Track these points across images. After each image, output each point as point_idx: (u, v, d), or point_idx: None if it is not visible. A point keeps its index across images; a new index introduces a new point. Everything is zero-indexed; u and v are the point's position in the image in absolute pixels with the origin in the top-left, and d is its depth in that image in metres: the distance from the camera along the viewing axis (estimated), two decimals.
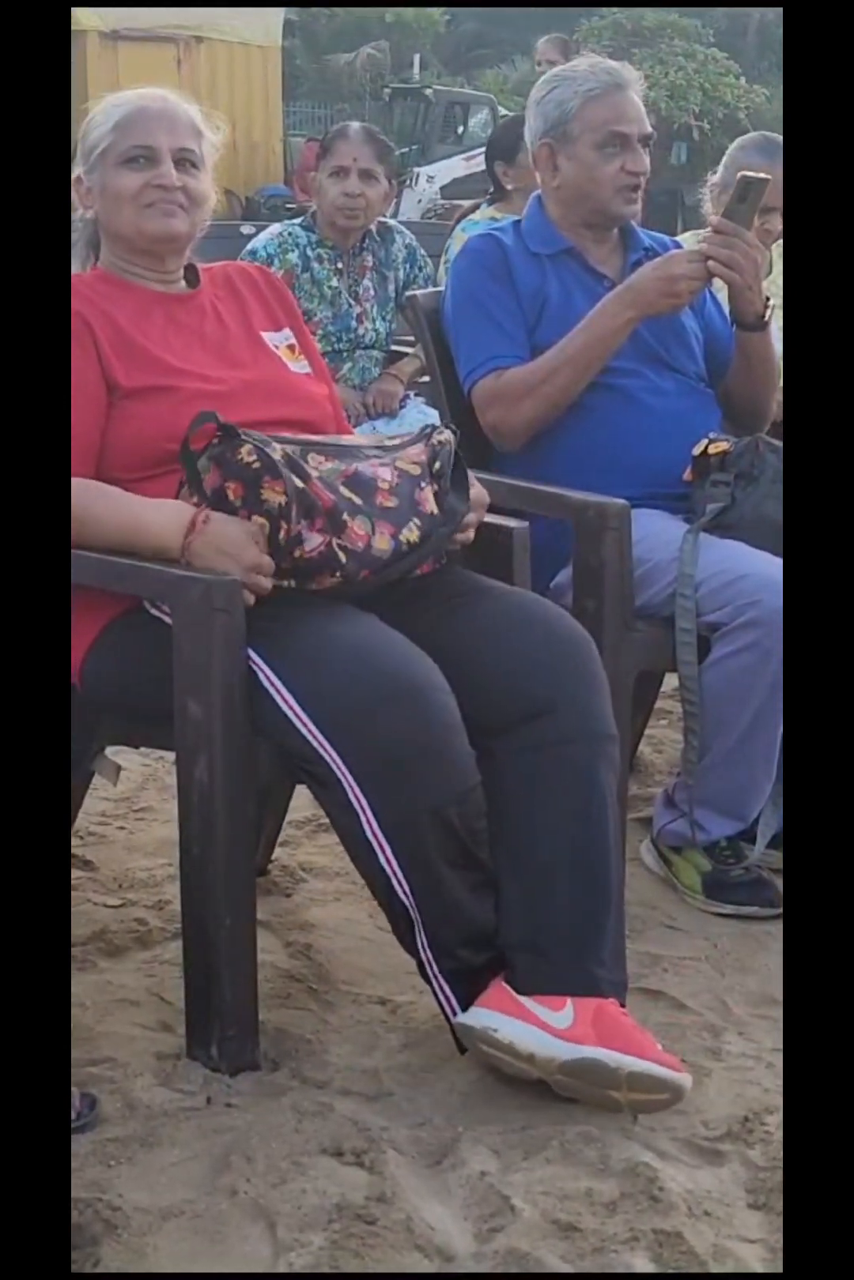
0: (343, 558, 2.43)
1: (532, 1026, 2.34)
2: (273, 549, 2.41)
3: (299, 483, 2.40)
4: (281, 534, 2.39)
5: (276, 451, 2.42)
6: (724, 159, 4.13)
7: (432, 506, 2.54)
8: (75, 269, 2.75)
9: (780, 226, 3.98)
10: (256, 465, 2.40)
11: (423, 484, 2.54)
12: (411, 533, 2.50)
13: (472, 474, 2.66)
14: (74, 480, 2.48)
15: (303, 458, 2.46)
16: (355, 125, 4.85)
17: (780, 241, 4.11)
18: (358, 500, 2.46)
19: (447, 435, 2.62)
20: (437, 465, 2.57)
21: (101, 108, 2.71)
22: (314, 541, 2.41)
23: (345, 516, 2.43)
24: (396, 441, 2.63)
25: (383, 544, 2.47)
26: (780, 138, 4.04)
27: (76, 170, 2.71)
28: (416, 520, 2.51)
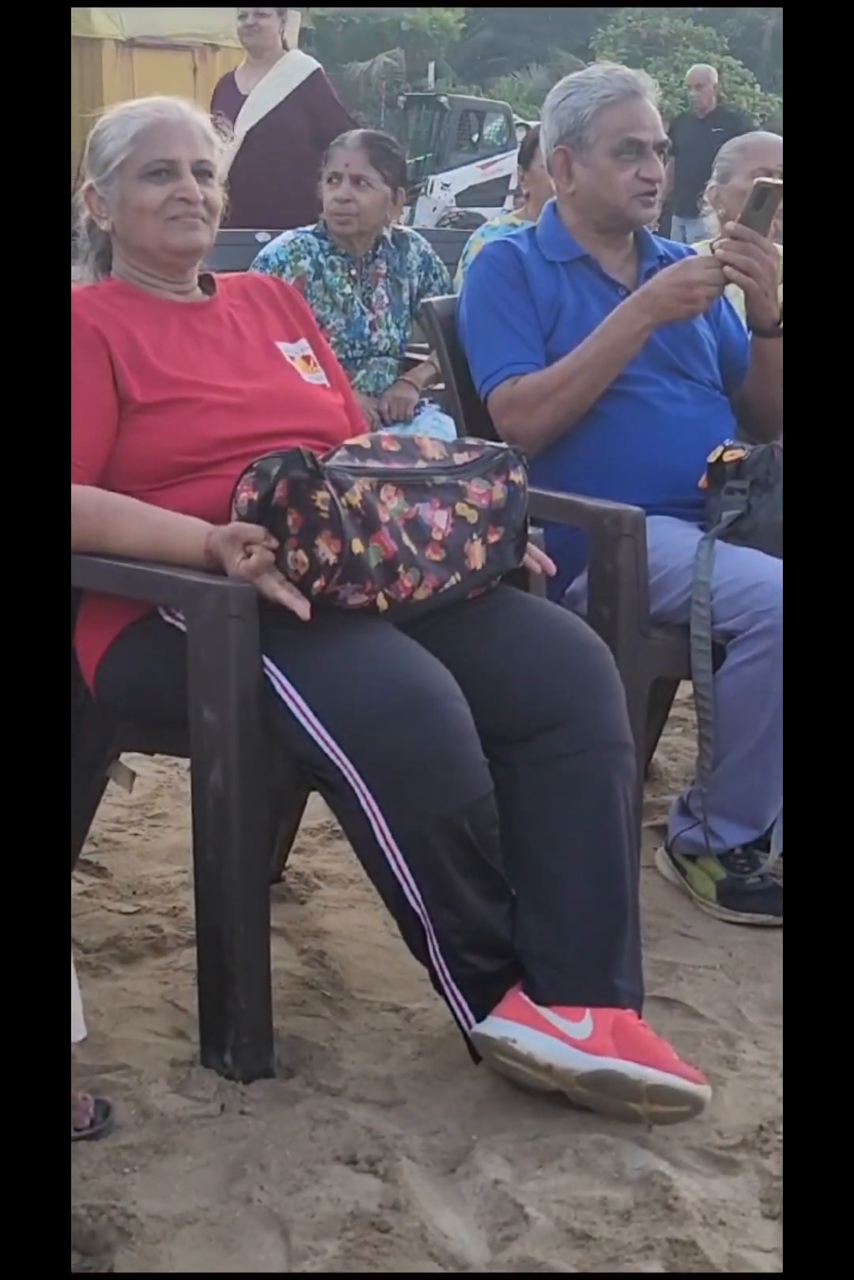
0: (383, 605, 2.41)
1: (550, 1037, 2.33)
2: (300, 588, 2.36)
3: (357, 547, 2.34)
4: (318, 583, 2.35)
5: (356, 495, 2.36)
6: (718, 159, 4.06)
7: (477, 561, 2.50)
8: (87, 280, 2.74)
9: None
10: (325, 515, 2.33)
11: (475, 536, 2.49)
12: (450, 581, 2.48)
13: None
14: (99, 493, 2.49)
15: (377, 494, 2.40)
16: (355, 132, 4.85)
17: None
18: (414, 550, 2.42)
19: (522, 478, 2.56)
20: (507, 516, 2.53)
21: (114, 118, 2.68)
22: (358, 599, 2.39)
23: (400, 568, 2.41)
24: (466, 459, 2.54)
25: (422, 595, 2.45)
26: (774, 136, 4.03)
27: (88, 179, 2.68)
28: (458, 575, 2.48)
